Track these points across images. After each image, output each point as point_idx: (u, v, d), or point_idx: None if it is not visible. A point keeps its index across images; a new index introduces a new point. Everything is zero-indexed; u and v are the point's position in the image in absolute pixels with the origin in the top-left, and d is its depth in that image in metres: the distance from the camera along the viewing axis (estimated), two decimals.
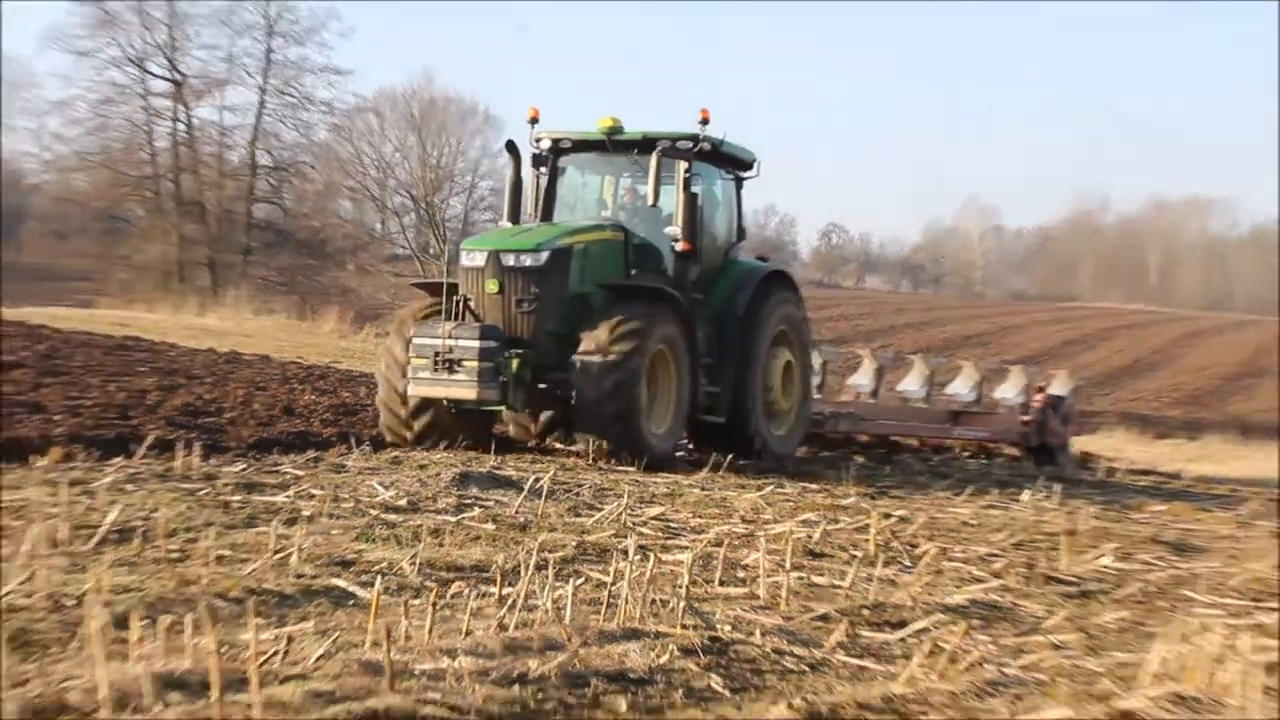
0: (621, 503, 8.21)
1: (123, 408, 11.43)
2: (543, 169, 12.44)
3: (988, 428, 16.14)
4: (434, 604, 4.71)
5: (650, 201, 11.53)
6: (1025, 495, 10.91)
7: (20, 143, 56.32)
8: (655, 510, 8.21)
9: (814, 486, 10.72)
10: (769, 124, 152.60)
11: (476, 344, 10.11)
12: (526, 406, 11.07)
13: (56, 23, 51.31)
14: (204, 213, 50.73)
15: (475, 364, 10.08)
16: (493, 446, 10.86)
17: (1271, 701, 4.41)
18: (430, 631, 4.47)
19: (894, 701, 4.33)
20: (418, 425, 10.77)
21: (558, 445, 11.28)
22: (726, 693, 4.31)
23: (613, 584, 5.34)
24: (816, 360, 16.03)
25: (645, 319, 10.46)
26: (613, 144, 11.98)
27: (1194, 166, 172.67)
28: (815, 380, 15.59)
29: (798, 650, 4.90)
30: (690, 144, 11.58)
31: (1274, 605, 6.77)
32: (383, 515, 7.03)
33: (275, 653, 4.13)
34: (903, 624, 5.50)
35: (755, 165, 12.86)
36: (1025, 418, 15.93)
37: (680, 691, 4.27)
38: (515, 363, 10.39)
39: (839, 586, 6.16)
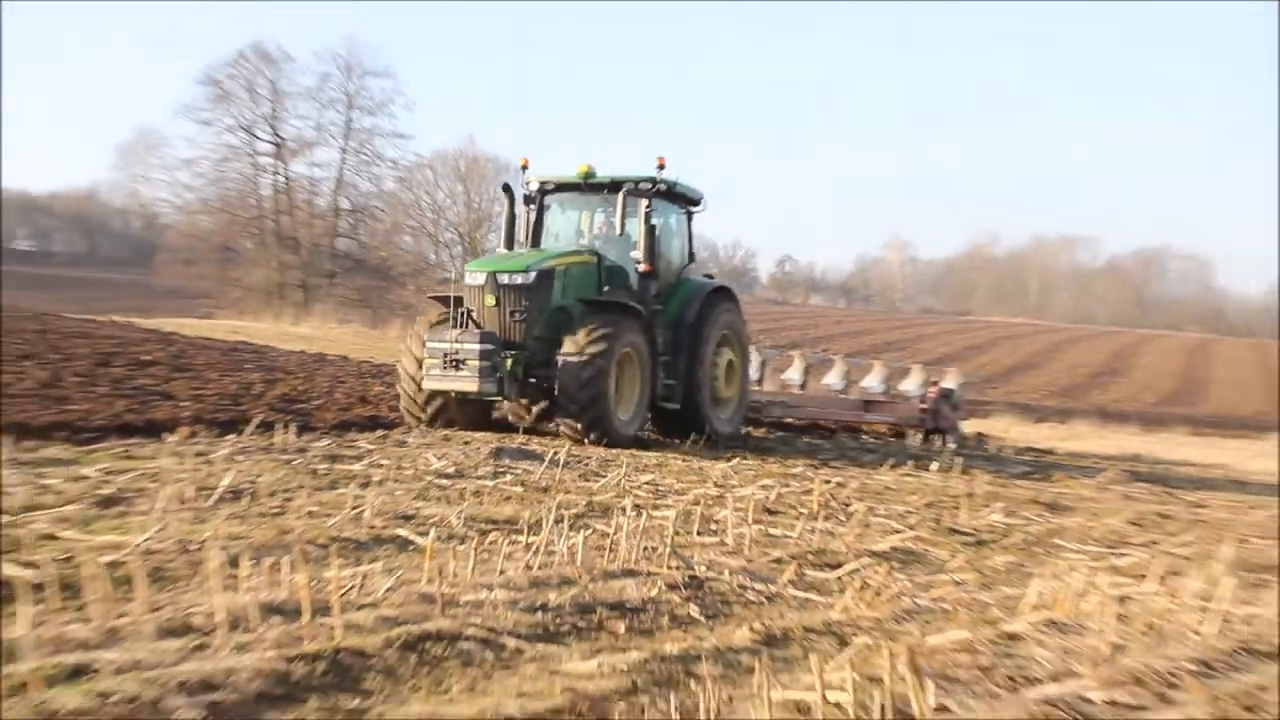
0: (621, 471, 8.23)
1: (235, 396, 11.41)
2: (531, 206, 12.25)
3: (893, 414, 16.00)
4: (475, 549, 4.72)
5: (618, 232, 11.48)
6: (934, 466, 10.91)
7: (156, 191, 56.90)
8: (647, 477, 8.21)
9: (771, 459, 10.71)
10: (739, 169, 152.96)
11: (477, 347, 9.98)
12: (519, 397, 10.89)
13: (186, 98, 51.61)
14: (298, 246, 51.02)
15: (477, 363, 9.95)
16: (492, 428, 10.75)
17: (1121, 625, 4.42)
18: (472, 570, 4.47)
19: (832, 625, 4.35)
20: (430, 410, 10.61)
21: (549, 427, 11.15)
22: (702, 619, 4.32)
23: (614, 534, 5.34)
24: (757, 359, 15.97)
25: (614, 326, 10.30)
26: (587, 186, 11.83)
27: (1067, 209, 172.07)
28: (755, 375, 15.51)
29: (758, 586, 4.91)
30: (650, 185, 11.45)
31: (1125, 551, 6.79)
32: (435, 480, 7.03)
33: (352, 586, 4.14)
34: (839, 565, 5.50)
35: (702, 202, 12.63)
36: (922, 406, 15.81)
37: (666, 618, 4.28)
38: (509, 361, 10.27)
39: (789, 536, 6.16)
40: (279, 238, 50.86)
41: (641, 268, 11.44)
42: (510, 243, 12.18)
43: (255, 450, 7.74)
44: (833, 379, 17.28)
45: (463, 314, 10.58)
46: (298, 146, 51.59)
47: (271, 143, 50.73)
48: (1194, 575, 5.46)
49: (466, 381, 10.01)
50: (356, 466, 7.35)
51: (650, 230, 11.42)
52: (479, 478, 7.37)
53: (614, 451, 9.73)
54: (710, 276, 13.19)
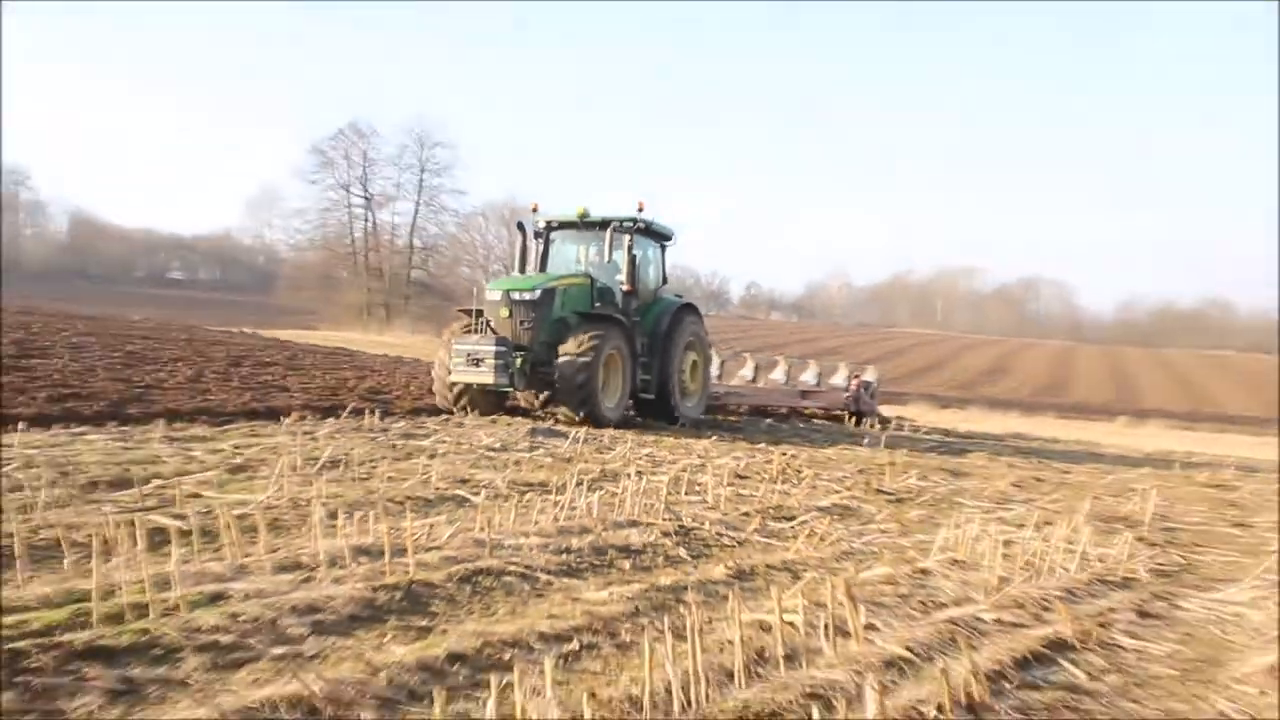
0: (626, 447, 8.21)
1: (333, 389, 11.40)
2: (539, 239, 12.08)
3: (823, 401, 15.88)
4: (516, 505, 4.71)
5: (607, 260, 11.36)
6: (865, 443, 10.89)
7: (275, 233, 57.84)
8: (646, 451, 8.19)
9: (740, 438, 10.68)
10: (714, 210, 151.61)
11: (493, 348, 9.85)
12: (528, 388, 10.70)
13: (298, 164, 52.38)
14: (382, 275, 51.66)
15: (493, 361, 9.82)
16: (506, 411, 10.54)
17: (1006, 562, 4.41)
18: (513, 521, 4.46)
19: (787, 564, 4.33)
20: (455, 397, 10.39)
21: (552, 411, 11.04)
22: (689, 559, 4.31)
23: (621, 494, 5.34)
24: (718, 360, 15.91)
25: (602, 334, 10.17)
26: (583, 224, 11.69)
27: (971, 244, 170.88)
28: (715, 372, 15.39)
29: (731, 533, 4.90)
30: (632, 224, 11.34)
31: (1009, 506, 6.77)
32: (485, 453, 7.02)
33: (422, 534, 4.13)
34: (793, 518, 5.50)
35: (674, 236, 12.45)
36: (846, 394, 15.71)
37: (661, 557, 4.27)
38: (519, 360, 10.14)
39: (755, 495, 6.15)
40: (368, 269, 51.78)
41: (625, 288, 11.32)
42: (522, 267, 11.99)
43: (349, 430, 7.74)
44: (777, 374, 17.25)
45: (483, 323, 10.44)
46: (382, 200, 52.44)
47: (363, 197, 51.70)
48: (1061, 525, 5.45)
49: (485, 376, 9.88)
50: (425, 442, 7.33)
51: (632, 259, 11.31)
52: (519, 451, 7.37)
53: (620, 432, 9.70)
54: (679, 296, 12.99)
